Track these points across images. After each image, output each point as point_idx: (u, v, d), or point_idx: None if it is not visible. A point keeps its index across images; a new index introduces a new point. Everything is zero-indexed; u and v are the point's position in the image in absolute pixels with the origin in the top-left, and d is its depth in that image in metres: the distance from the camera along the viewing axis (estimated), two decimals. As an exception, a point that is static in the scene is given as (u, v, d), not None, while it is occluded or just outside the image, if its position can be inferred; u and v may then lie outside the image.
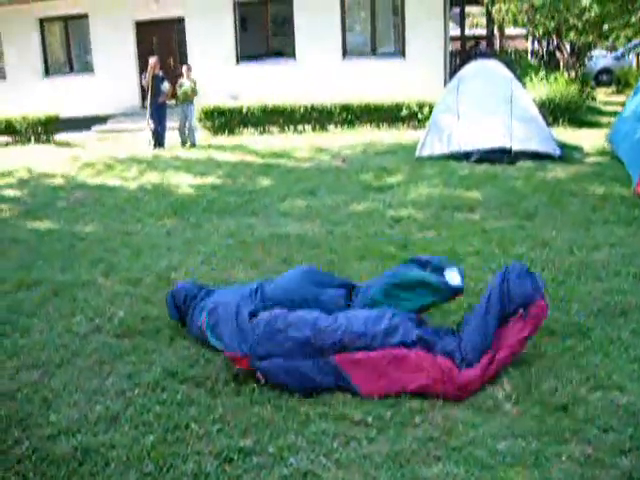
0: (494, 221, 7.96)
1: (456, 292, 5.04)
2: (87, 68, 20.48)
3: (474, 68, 12.48)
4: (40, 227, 8.92)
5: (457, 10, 29.07)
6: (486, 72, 12.25)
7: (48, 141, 17.20)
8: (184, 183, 10.95)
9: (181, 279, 6.31)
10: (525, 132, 11.28)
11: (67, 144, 16.80)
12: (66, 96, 19.69)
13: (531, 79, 17.28)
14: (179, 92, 14.79)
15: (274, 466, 3.58)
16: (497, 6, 15.04)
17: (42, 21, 20.55)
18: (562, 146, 11.51)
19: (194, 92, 14.92)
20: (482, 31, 36.07)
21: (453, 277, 5.05)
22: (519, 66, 20.24)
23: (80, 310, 5.90)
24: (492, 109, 11.53)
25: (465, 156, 11.26)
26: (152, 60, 14.92)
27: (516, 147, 11.04)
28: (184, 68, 15.14)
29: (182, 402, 4.23)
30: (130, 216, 9.17)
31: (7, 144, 17.38)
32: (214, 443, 3.78)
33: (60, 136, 17.46)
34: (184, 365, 4.71)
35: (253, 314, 4.67)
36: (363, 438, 3.79)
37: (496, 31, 30.45)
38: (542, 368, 4.50)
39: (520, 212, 8.25)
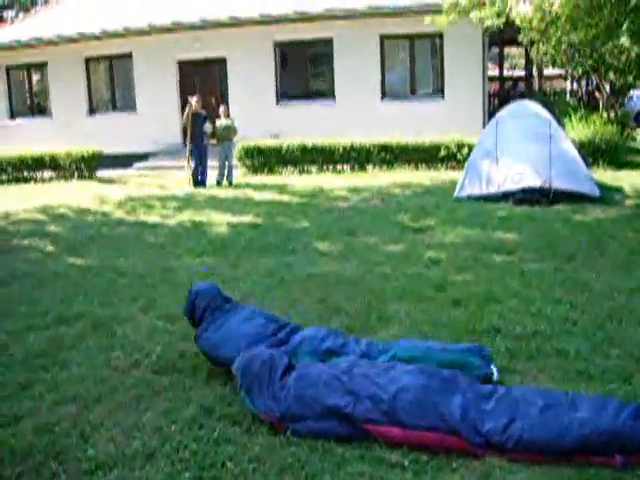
0: (533, 263, 7.90)
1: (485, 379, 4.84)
2: (130, 106, 20.92)
3: (513, 109, 12.52)
4: (81, 262, 9.05)
5: (496, 51, 29.24)
6: (525, 113, 12.28)
7: (90, 177, 17.55)
8: (223, 221, 11.06)
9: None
10: (564, 173, 11.25)
11: (109, 181, 17.12)
12: (109, 133, 20.13)
13: (570, 119, 17.25)
14: (218, 131, 14.99)
15: (308, 508, 3.56)
16: (535, 47, 15.06)
17: (87, 60, 21.07)
18: (602, 187, 11.44)
19: (234, 130, 15.13)
20: (520, 72, 36.18)
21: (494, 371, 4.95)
22: (558, 106, 20.21)
23: (119, 345, 5.95)
24: (531, 150, 11.53)
25: (504, 197, 11.24)
26: (192, 99, 15.19)
27: (555, 187, 10.99)
28: (221, 109, 15.38)
29: (218, 440, 4.23)
30: (169, 253, 9.27)
31: (51, 179, 17.76)
32: (250, 483, 3.78)
33: (102, 173, 17.80)
34: (221, 403, 4.72)
35: (286, 370, 4.60)
36: (399, 481, 3.76)
37: (535, 71, 30.48)
38: (582, 414, 4.42)
39: (559, 254, 8.18)
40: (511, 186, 11.24)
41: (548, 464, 3.87)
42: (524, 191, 11.15)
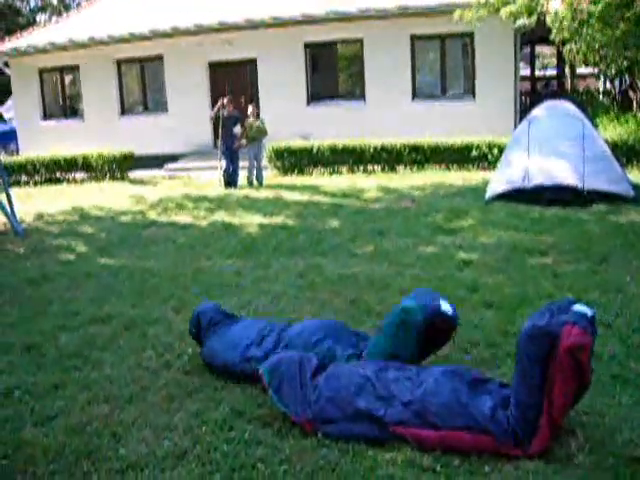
0: (566, 265, 7.80)
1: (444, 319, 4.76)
2: (161, 108, 21.02)
3: (545, 108, 12.38)
4: (112, 263, 9.12)
5: (527, 50, 28.96)
6: (557, 112, 12.13)
7: (122, 178, 17.68)
8: (254, 222, 11.08)
9: (252, 317, 6.34)
10: (597, 172, 11.08)
11: (140, 182, 17.23)
12: (140, 135, 20.26)
13: (603, 119, 17.03)
14: (249, 132, 15.01)
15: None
16: (568, 46, 14.87)
17: (119, 62, 21.22)
18: (636, 188, 11.27)
19: (264, 131, 15.15)
20: (552, 71, 35.81)
21: (444, 305, 4.81)
22: (590, 106, 19.95)
23: (151, 346, 5.98)
24: (564, 149, 11.38)
25: (536, 197, 11.11)
26: (225, 99, 15.25)
27: (588, 187, 10.84)
28: (250, 108, 15.40)
29: (249, 441, 4.22)
30: (200, 254, 9.30)
31: (83, 180, 17.91)
32: (280, 485, 3.76)
33: (134, 174, 17.92)
34: (251, 405, 4.72)
35: (316, 371, 4.58)
36: (431, 486, 3.72)
37: (567, 70, 30.13)
38: (617, 418, 4.35)
39: (593, 256, 8.07)
40: (544, 186, 11.08)
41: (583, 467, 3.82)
42: (557, 189, 11.00)
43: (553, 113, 12.10)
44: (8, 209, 11.46)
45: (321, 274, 7.91)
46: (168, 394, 5.00)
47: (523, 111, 18.49)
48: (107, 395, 5.03)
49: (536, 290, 6.93)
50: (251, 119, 15.15)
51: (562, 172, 11.15)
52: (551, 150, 11.42)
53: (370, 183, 14.26)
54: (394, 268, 7.96)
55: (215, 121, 15.75)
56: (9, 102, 26.05)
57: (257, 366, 5.02)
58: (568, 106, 12.35)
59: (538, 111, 12.34)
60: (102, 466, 4.04)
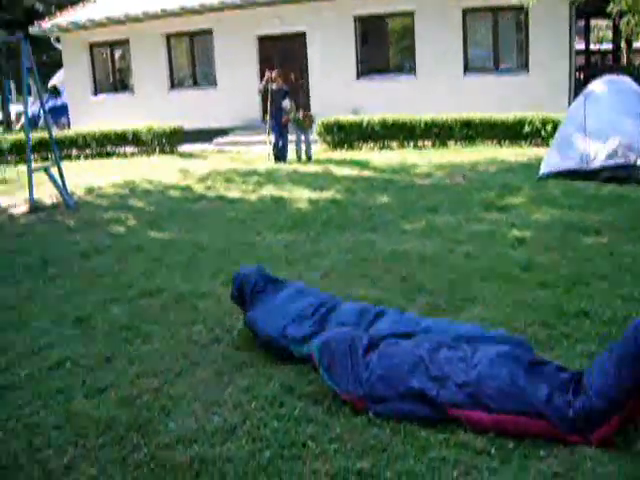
0: (623, 245, 7.54)
1: None
2: (210, 82, 21.04)
3: (602, 83, 12.01)
4: (163, 237, 9.14)
5: (582, 23, 28.21)
6: (615, 87, 11.78)
7: (172, 152, 17.77)
8: (303, 197, 11.00)
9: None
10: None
11: (190, 155, 17.29)
12: (190, 109, 20.31)
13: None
14: (299, 122, 14.96)
15: (391, 491, 3.46)
16: (625, 18, 14.39)
17: (169, 37, 21.26)
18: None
19: (311, 121, 15.15)
20: (608, 45, 34.90)
21: None
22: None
23: (201, 320, 5.96)
24: (621, 125, 11.04)
25: (592, 174, 10.82)
26: (271, 73, 15.17)
27: (647, 163, 10.53)
28: (301, 113, 15.27)
29: (299, 419, 4.16)
30: (250, 228, 9.27)
31: (133, 154, 18.03)
32: (331, 463, 3.68)
33: (183, 148, 17.98)
34: (302, 381, 4.65)
35: (368, 347, 4.48)
36: (484, 469, 3.60)
37: (623, 45, 29.29)
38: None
39: (651, 236, 7.82)
40: (600, 162, 10.79)
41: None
42: (614, 167, 10.70)
43: (611, 88, 11.74)
44: (60, 182, 11.58)
45: (372, 250, 7.81)
46: (218, 369, 4.96)
47: (577, 86, 18.08)
48: (157, 369, 5.02)
49: (592, 270, 6.72)
50: (303, 117, 15.09)
51: (620, 150, 10.83)
52: (608, 127, 11.09)
53: (420, 158, 14.08)
54: (446, 245, 7.82)
55: (264, 95, 15.68)
56: (59, 73, 26.24)
57: (293, 345, 4.97)
58: (627, 81, 11.99)
59: (595, 86, 11.98)
60: (152, 439, 4.02)
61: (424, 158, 14.11)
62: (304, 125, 14.96)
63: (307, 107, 17.83)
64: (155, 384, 4.78)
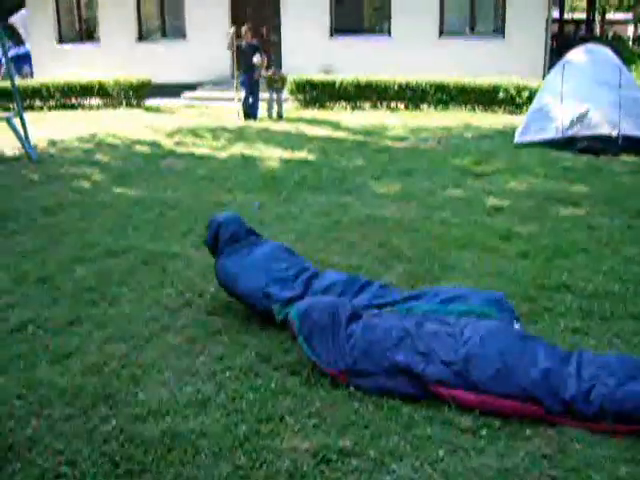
0: (601, 218, 7.42)
1: None
2: (180, 35, 20.45)
3: (581, 52, 11.83)
4: (129, 193, 8.83)
5: (556, -9, 28.04)
6: (594, 57, 11.60)
7: (139, 106, 17.29)
8: (274, 156, 10.73)
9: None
10: (634, 120, 10.64)
11: (157, 110, 16.86)
12: (158, 62, 19.75)
13: (635, 67, 16.45)
14: (271, 82, 14.63)
15: (375, 471, 3.29)
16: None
17: (138, -15, 20.60)
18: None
19: (284, 81, 14.83)
20: (581, 15, 34.79)
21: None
22: (621, 53, 19.31)
23: (170, 283, 5.73)
24: (599, 96, 10.91)
25: (568, 144, 10.70)
26: (243, 28, 14.77)
27: (624, 133, 10.40)
28: (271, 71, 14.90)
29: (276, 391, 3.98)
30: (220, 187, 9.00)
31: (99, 107, 17.52)
32: (310, 440, 3.51)
33: (150, 102, 17.52)
34: (278, 350, 4.46)
35: (351, 318, 4.28)
36: (471, 448, 3.46)
37: (597, 15, 29.25)
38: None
39: (628, 210, 7.68)
40: (577, 131, 10.66)
41: (629, 437, 3.56)
42: (590, 138, 10.59)
43: (590, 58, 11.56)
44: (22, 133, 11.15)
45: (347, 214, 7.61)
46: (189, 335, 4.76)
47: (550, 55, 17.92)
48: (125, 334, 4.80)
49: (571, 242, 6.60)
50: (275, 76, 14.73)
51: (597, 120, 10.71)
52: (586, 96, 10.94)
53: (394, 121, 13.85)
54: (422, 211, 7.64)
55: (234, 50, 15.21)
56: (21, 12, 25.35)
57: (275, 306, 4.77)
58: (606, 51, 11.83)
59: (574, 55, 11.80)
60: (121, 411, 3.82)
61: (397, 120, 13.88)
62: (277, 86, 14.63)
63: (279, 64, 17.37)
64: (123, 350, 4.57)
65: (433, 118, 14.13)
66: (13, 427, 3.70)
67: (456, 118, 14.05)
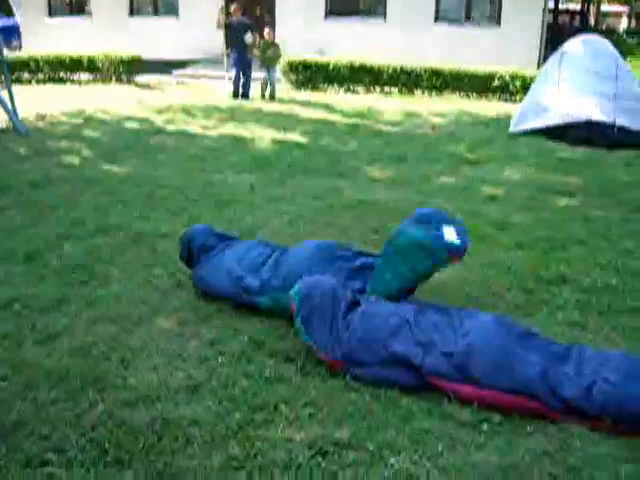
0: (597, 210, 7.34)
1: (452, 251, 4.39)
2: (172, 11, 20.18)
3: (579, 43, 11.73)
4: (118, 170, 8.66)
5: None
6: (592, 48, 11.50)
7: (129, 82, 17.04)
8: (266, 137, 10.58)
9: (267, 238, 5.95)
10: (630, 111, 10.57)
11: (147, 86, 16.62)
12: (149, 38, 19.49)
13: (629, 59, 16.37)
14: (263, 55, 14.32)
15: (373, 465, 3.19)
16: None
17: (131, -42, 20.27)
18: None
19: (277, 57, 14.50)
20: (576, 6, 34.62)
21: (449, 234, 4.44)
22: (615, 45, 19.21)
23: (160, 262, 5.59)
24: (596, 87, 10.82)
25: (563, 134, 10.60)
26: (232, 6, 14.53)
27: (619, 124, 10.32)
28: (265, 31, 14.62)
29: (270, 378, 3.86)
30: (211, 166, 8.85)
31: (88, 82, 17.25)
32: (306, 431, 3.41)
33: (141, 78, 17.26)
34: (273, 336, 4.34)
35: (351, 305, 4.17)
36: (470, 443, 3.37)
37: (592, 7, 29.10)
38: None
39: (625, 202, 7.61)
40: (572, 120, 10.56)
41: (633, 435, 3.48)
42: (585, 127, 10.49)
43: (588, 48, 11.45)
44: (9, 106, 10.92)
45: (340, 197, 7.49)
46: (180, 318, 4.63)
47: (545, 44, 17.82)
48: (114, 315, 4.67)
49: (568, 234, 6.53)
50: (268, 40, 14.40)
51: (593, 109, 10.63)
52: (583, 86, 10.87)
53: (387, 105, 13.70)
54: (416, 197, 7.52)
55: (225, 29, 14.95)
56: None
57: (255, 298, 4.64)
58: (604, 42, 11.73)
59: (572, 45, 11.69)
60: (109, 395, 3.70)
61: (391, 105, 13.74)
62: (272, 62, 14.37)
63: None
64: (112, 331, 4.44)
65: (427, 104, 14.00)
66: (-3, 410, 3.58)
67: (450, 104, 13.94)
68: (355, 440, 3.35)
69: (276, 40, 14.91)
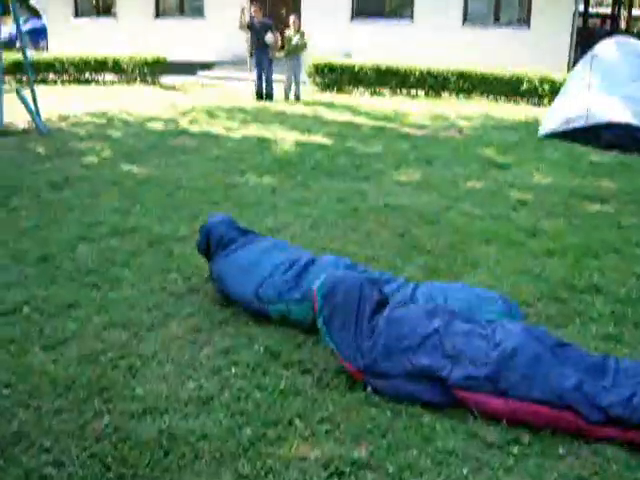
0: (631, 217, 7.02)
1: None
2: (198, 12, 20.07)
3: (611, 44, 11.41)
4: (138, 171, 8.52)
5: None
6: (624, 49, 11.17)
7: (153, 83, 16.98)
8: (290, 139, 10.38)
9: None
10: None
11: (172, 88, 16.53)
12: (175, 39, 19.39)
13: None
14: (288, 46, 14.12)
15: (392, 489, 2.97)
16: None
17: (156, -40, 20.22)
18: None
19: (303, 46, 14.22)
20: (606, 9, 34.06)
21: None
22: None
23: (176, 267, 5.41)
24: (627, 88, 10.49)
25: (594, 138, 10.29)
26: (252, 8, 14.40)
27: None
28: (291, 19, 14.43)
29: (285, 391, 3.64)
30: (233, 168, 8.67)
31: (113, 83, 17.20)
32: (321, 448, 3.19)
33: (166, 79, 17.18)
34: (289, 346, 4.13)
35: (378, 307, 3.88)
36: (498, 466, 3.12)
37: (623, 10, 28.58)
38: None
39: (659, 209, 7.34)
40: (604, 125, 10.23)
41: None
42: (617, 131, 10.16)
43: (620, 50, 11.12)
44: (32, 106, 10.83)
45: (364, 201, 7.27)
46: (194, 325, 4.44)
47: (575, 48, 17.47)
48: (125, 320, 4.49)
49: (601, 241, 6.23)
50: (292, 31, 14.20)
51: (623, 112, 10.30)
52: (614, 89, 10.53)
53: (414, 108, 13.45)
54: (443, 201, 7.28)
55: (248, 29, 14.77)
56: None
57: (270, 307, 4.43)
58: (636, 44, 11.40)
59: (603, 47, 11.37)
60: (116, 406, 3.51)
61: (417, 108, 13.49)
62: (297, 51, 14.09)
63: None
64: (123, 338, 4.25)
65: (454, 107, 13.73)
66: (-2, 419, 3.41)
67: (477, 107, 13.65)
68: (374, 460, 3.12)
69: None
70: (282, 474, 3.03)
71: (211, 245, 4.96)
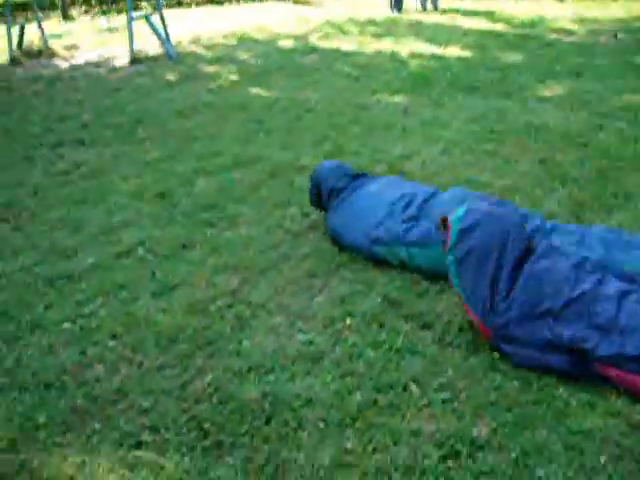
0: None
1: None
2: None
3: None
4: (265, 94, 8.23)
5: None
6: None
7: (286, -1, 16.53)
8: (425, 53, 9.75)
9: (416, 171, 5.34)
10: None
11: (305, 2, 15.99)
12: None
13: None
14: None
15: (513, 477, 2.54)
16: None
17: None
18: None
19: None
20: None
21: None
22: None
23: (296, 200, 5.09)
24: None
25: None
26: None
27: None
28: None
29: (402, 350, 3.28)
30: (364, 87, 8.21)
31: (247, 0, 16.88)
32: (437, 422, 2.82)
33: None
34: (410, 294, 3.73)
35: (524, 255, 3.26)
36: (642, 455, 2.65)
37: None
38: None
39: None
40: None
41: None
42: None
43: None
44: (161, 31, 10.70)
45: (503, 121, 6.64)
46: (309, 268, 4.12)
47: None
48: (238, 263, 4.24)
49: None
50: None
51: None
52: None
53: (562, 11, 12.36)
54: (593, 120, 6.51)
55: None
56: None
57: (387, 253, 4.02)
58: None
59: None
60: (219, 363, 3.27)
61: (566, 10, 12.38)
62: None
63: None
64: (234, 284, 4.00)
65: (608, 8, 12.49)
66: (101, 375, 3.26)
67: (636, 7, 12.35)
68: (495, 440, 2.71)
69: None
70: (390, 451, 2.69)
71: (322, 195, 4.59)
